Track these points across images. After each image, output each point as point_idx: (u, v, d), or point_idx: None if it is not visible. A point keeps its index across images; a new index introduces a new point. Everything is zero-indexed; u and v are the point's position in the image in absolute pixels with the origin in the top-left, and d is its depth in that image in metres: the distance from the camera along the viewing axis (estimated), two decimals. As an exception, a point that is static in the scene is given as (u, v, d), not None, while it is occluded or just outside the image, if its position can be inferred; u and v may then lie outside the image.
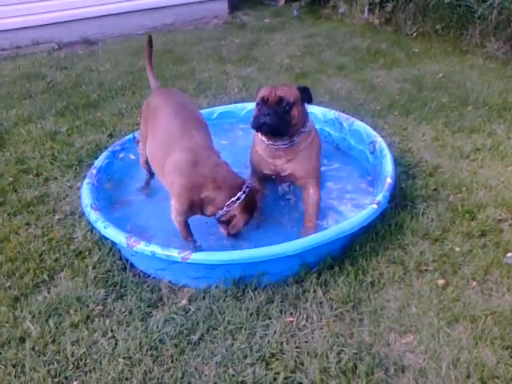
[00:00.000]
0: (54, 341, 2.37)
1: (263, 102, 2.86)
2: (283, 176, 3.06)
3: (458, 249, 2.77)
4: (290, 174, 3.03)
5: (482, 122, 4.18)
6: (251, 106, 4.16)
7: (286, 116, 2.85)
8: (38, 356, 2.29)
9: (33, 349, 2.32)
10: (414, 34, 6.59)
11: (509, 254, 2.70)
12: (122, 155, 3.58)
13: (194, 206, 2.69)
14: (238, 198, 2.62)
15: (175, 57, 6.31)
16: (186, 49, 6.63)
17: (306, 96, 2.96)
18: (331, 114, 3.91)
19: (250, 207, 2.69)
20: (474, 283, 2.55)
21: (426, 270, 2.64)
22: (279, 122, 2.83)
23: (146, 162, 3.17)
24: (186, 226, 2.78)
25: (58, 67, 6.07)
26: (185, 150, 2.66)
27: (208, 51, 6.53)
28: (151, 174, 3.34)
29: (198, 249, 2.75)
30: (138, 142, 3.59)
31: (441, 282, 2.56)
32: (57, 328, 2.43)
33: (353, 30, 7.07)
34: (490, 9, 5.75)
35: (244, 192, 2.63)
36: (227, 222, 2.72)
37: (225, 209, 2.64)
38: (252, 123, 2.90)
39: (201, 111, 4.19)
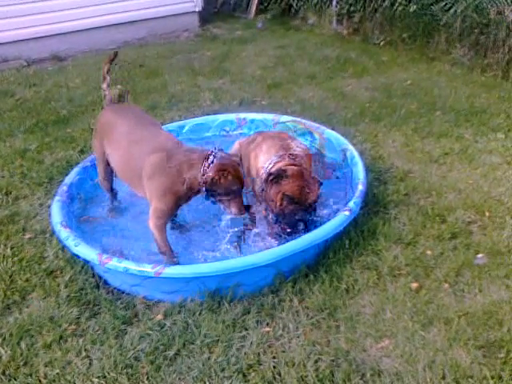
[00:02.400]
0: (26, 363, 2.31)
1: (292, 201, 2.80)
2: None
3: (429, 252, 2.81)
4: None
5: (450, 127, 4.28)
6: (223, 117, 4.20)
7: (311, 217, 2.88)
8: (9, 380, 2.23)
9: (3, 373, 2.26)
10: (382, 43, 6.73)
11: (479, 255, 2.76)
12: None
13: (181, 199, 2.72)
14: (211, 162, 2.61)
15: (147, 70, 6.29)
16: (157, 62, 6.63)
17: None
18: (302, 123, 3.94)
19: (228, 169, 2.62)
20: (446, 285, 2.59)
21: (399, 275, 2.68)
22: (308, 224, 2.87)
23: (105, 179, 3.20)
24: (165, 231, 2.77)
25: (27, 84, 5.98)
26: (156, 151, 2.70)
27: (180, 64, 6.53)
28: (112, 192, 3.33)
29: (174, 260, 2.74)
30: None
31: (414, 285, 2.59)
32: (29, 350, 2.37)
33: (322, 40, 7.18)
34: (453, 17, 5.92)
35: (214, 155, 2.63)
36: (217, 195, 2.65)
37: (203, 176, 2.59)
38: (285, 221, 2.84)
39: (172, 124, 4.23)
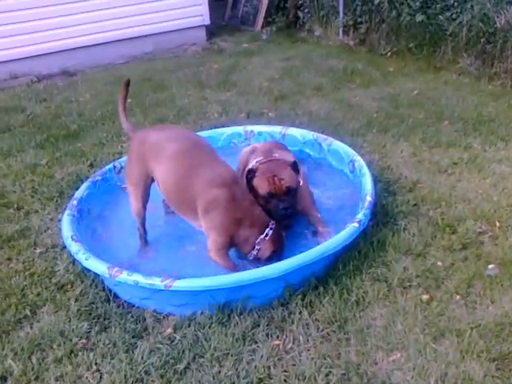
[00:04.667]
0: (37, 378, 2.31)
1: (272, 195, 2.88)
2: None
3: (440, 263, 2.79)
4: None
5: (458, 137, 4.27)
6: (231, 130, 4.22)
7: (295, 200, 2.95)
8: (21, 395, 2.23)
9: (15, 388, 2.27)
10: (389, 54, 6.74)
11: (490, 266, 2.73)
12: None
13: (232, 241, 2.77)
14: (266, 235, 2.72)
15: (155, 84, 6.35)
16: (165, 76, 6.69)
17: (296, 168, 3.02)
18: (310, 135, 3.97)
19: (278, 244, 2.77)
20: (458, 297, 2.57)
21: (409, 286, 2.66)
22: (295, 208, 2.95)
23: (143, 208, 3.03)
24: (228, 257, 2.80)
25: (37, 99, 6.05)
26: (216, 185, 2.71)
27: (187, 78, 6.59)
28: (144, 225, 3.12)
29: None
30: (118, 171, 3.58)
31: (425, 297, 2.57)
32: (40, 364, 2.37)
33: (329, 51, 7.21)
34: (460, 26, 5.93)
35: (271, 228, 2.73)
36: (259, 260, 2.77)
37: (256, 247, 2.73)
38: (276, 217, 2.86)
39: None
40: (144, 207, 3.04)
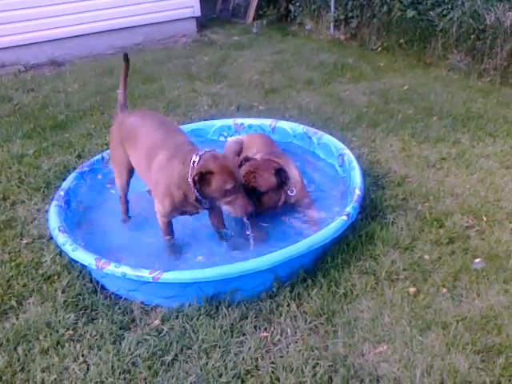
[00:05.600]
0: (22, 369, 2.30)
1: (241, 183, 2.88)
2: None
3: (427, 257, 2.81)
4: None
5: (447, 132, 4.30)
6: (220, 123, 4.21)
7: (258, 201, 2.98)
8: (6, 386, 2.22)
9: (0, 379, 2.24)
10: (379, 49, 6.76)
11: (477, 260, 2.76)
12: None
13: (181, 205, 2.67)
14: (193, 162, 2.52)
15: (145, 76, 6.30)
16: (155, 68, 6.64)
17: (281, 177, 3.05)
18: (300, 128, 3.97)
19: (210, 168, 2.47)
20: (444, 290, 2.59)
21: (397, 279, 2.67)
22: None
23: (126, 185, 3.13)
24: (168, 225, 2.86)
25: (25, 89, 5.98)
26: (166, 149, 2.69)
27: (177, 69, 6.54)
28: (127, 202, 3.26)
29: (174, 248, 2.82)
30: (106, 162, 3.55)
31: (412, 290, 2.59)
32: (26, 355, 2.36)
33: (320, 45, 7.21)
34: (450, 23, 5.96)
35: (197, 154, 2.53)
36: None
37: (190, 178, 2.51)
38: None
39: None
40: (127, 183, 3.16)
